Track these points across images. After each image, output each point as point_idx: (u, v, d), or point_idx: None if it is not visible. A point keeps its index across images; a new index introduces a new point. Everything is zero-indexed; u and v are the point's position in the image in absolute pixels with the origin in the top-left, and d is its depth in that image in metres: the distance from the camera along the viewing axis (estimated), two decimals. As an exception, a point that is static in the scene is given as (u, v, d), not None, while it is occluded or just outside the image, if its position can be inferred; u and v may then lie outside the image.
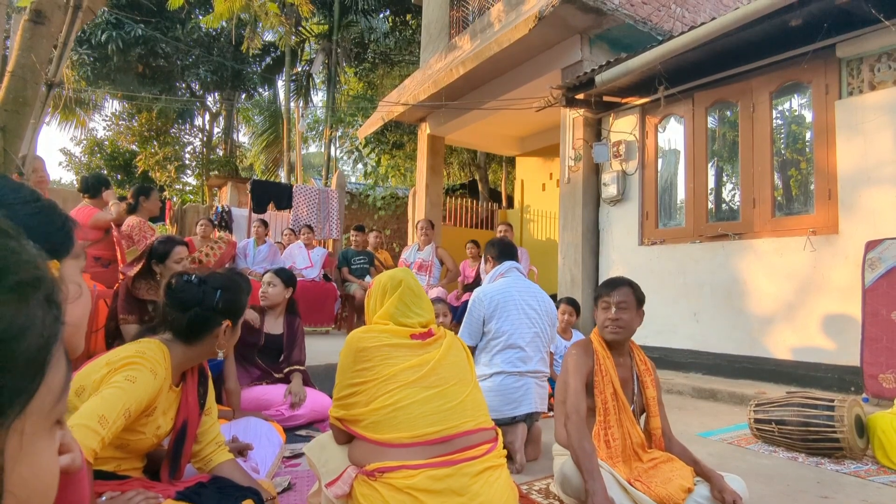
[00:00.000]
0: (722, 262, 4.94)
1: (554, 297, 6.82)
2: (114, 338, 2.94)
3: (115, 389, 1.25)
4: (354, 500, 1.45)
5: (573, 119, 6.23)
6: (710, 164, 5.36)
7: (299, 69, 17.38)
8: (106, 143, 18.61)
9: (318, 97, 19.72)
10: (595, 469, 1.81)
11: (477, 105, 7.56)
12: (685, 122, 5.42)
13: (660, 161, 5.73)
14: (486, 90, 7.50)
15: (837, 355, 4.08)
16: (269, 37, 17.26)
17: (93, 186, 4.61)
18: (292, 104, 15.94)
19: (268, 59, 18.02)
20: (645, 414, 2.16)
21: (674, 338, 5.31)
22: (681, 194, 5.53)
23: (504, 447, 2.51)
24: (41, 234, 0.67)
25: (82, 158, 18.95)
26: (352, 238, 7.19)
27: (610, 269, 5.97)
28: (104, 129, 19.02)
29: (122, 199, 5.10)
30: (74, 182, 22.59)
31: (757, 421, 3.12)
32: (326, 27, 15.83)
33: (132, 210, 4.69)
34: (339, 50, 15.19)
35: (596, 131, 6.19)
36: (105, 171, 18.13)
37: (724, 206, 5.51)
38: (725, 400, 4.29)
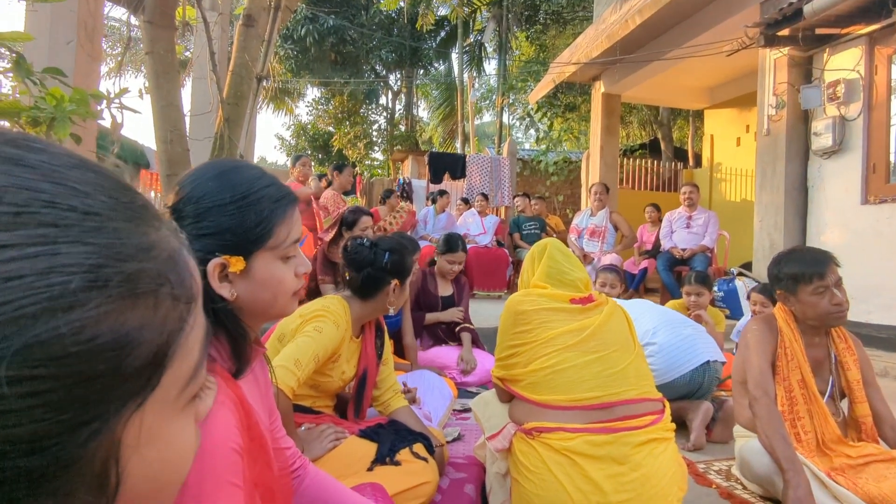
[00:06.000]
0: (984, 222, 3.92)
1: (748, 265, 6.11)
2: (314, 297, 3.41)
3: (306, 338, 1.49)
4: (514, 455, 1.51)
5: (774, 60, 5.37)
6: (970, 99, 4.24)
7: (472, 39, 17.66)
8: (308, 126, 21.14)
9: (491, 66, 19.91)
10: (795, 457, 1.61)
11: (657, 56, 6.93)
12: (933, 49, 4.33)
13: (894, 101, 4.68)
14: (667, 39, 6.82)
15: None
16: (442, 11, 17.80)
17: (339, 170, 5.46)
18: (465, 75, 16.32)
19: (442, 34, 18.63)
20: (847, 399, 1.85)
21: (908, 315, 4.40)
22: (925, 140, 4.48)
23: (681, 422, 2.40)
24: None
25: (291, 141, 21.81)
26: (516, 204, 7.30)
27: (822, 232, 5.12)
28: (307, 114, 21.66)
29: (320, 175, 5.82)
30: (287, 163, 26.21)
31: None
32: (497, -7, 15.76)
33: (328, 184, 5.36)
34: (509, 15, 15.05)
35: (804, 72, 5.26)
36: (309, 151, 20.68)
37: None
38: (982, 393, 3.47)
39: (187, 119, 3.81)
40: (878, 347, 4.43)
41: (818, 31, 4.96)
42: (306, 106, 21.32)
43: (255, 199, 0.80)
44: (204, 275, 0.77)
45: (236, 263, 0.78)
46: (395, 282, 1.73)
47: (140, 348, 0.30)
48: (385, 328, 1.89)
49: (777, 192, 5.36)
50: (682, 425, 2.44)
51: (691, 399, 2.57)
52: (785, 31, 4.97)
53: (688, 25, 6.50)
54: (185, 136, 3.18)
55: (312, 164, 6.18)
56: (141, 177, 7.51)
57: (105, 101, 2.07)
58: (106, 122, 2.22)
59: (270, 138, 43.08)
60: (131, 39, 3.62)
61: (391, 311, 1.74)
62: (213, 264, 0.77)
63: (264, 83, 3.82)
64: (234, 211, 0.79)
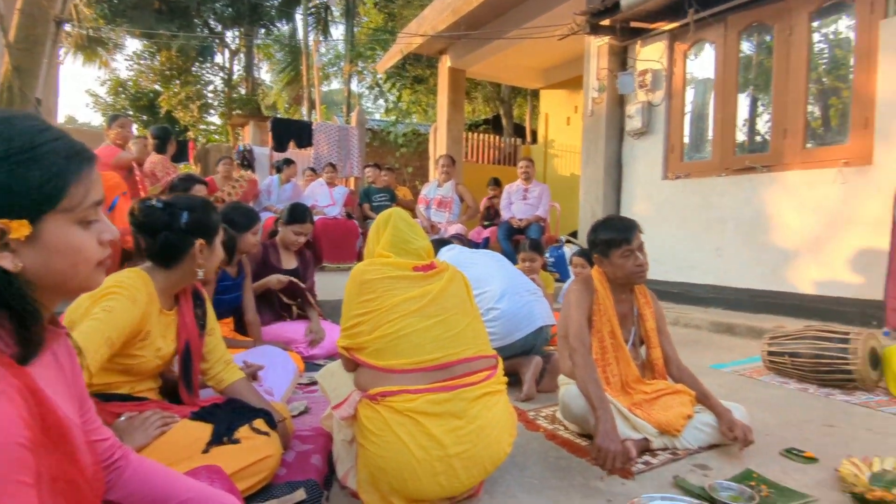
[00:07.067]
0: (748, 195, 4.80)
1: (575, 233, 6.80)
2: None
3: (92, 321, 1.35)
4: (359, 421, 1.54)
5: (598, 48, 5.95)
6: (741, 94, 5.11)
7: (318, 1, 16.82)
8: (129, 83, 18.61)
9: (338, 31, 19.20)
10: (604, 397, 1.85)
11: (498, 35, 7.26)
12: (716, 48, 5.12)
13: (689, 91, 5.48)
14: (509, 18, 7.17)
15: (861, 289, 4.00)
16: (285, -34, 16.67)
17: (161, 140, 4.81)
18: (311, 39, 15.55)
19: (285, -9, 17.48)
20: (645, 346, 2.18)
21: (695, 273, 5.26)
22: (710, 126, 5.31)
23: (515, 376, 2.62)
24: None
25: (107, 99, 19.05)
26: (366, 174, 7.28)
27: (633, 204, 5.87)
28: (126, 68, 19.00)
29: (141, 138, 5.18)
30: (102, 123, 22.84)
31: (770, 353, 3.12)
32: (343, -46, 15.15)
33: (160, 150, 4.81)
34: (357, -21, 14.59)
35: (622, 60, 5.91)
36: (130, 112, 18.25)
37: (755, 137, 5.29)
38: (743, 334, 4.29)
39: (-41, 63, 3.12)
40: (672, 301, 5.25)
41: (633, 24, 5.58)
42: (126, 59, 18.75)
43: (38, 154, 0.71)
44: None
45: (19, 228, 0.68)
46: (199, 242, 1.59)
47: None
48: (205, 296, 1.75)
49: (598, 168, 6.00)
50: (516, 379, 2.68)
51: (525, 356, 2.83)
52: (606, 22, 5.51)
53: (527, 7, 6.88)
54: (-44, 84, 2.61)
55: (135, 125, 5.47)
56: None
57: None
58: None
59: (81, 94, 36.89)
60: None
61: (200, 275, 1.59)
62: None
63: (66, 28, 3.27)
64: (11, 167, 0.68)
